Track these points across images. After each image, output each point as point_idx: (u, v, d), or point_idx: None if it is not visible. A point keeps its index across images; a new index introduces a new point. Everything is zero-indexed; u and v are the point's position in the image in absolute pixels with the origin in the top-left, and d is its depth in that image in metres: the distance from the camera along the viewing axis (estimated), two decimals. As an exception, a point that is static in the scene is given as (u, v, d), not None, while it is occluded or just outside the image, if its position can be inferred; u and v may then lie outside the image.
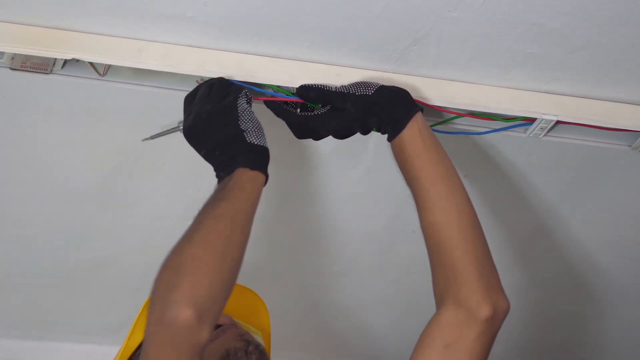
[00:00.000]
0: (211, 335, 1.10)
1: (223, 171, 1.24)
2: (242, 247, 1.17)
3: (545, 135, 1.53)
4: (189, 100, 1.33)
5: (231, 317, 1.43)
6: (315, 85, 1.37)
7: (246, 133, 1.26)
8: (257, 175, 1.23)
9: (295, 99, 1.38)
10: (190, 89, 1.36)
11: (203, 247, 1.13)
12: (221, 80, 1.33)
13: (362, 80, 1.39)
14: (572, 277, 2.03)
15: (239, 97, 1.30)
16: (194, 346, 1.08)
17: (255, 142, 1.25)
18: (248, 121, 1.27)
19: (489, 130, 1.54)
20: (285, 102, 1.38)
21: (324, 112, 1.37)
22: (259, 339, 1.45)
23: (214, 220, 1.16)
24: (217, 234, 1.15)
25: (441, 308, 1.27)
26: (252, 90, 1.35)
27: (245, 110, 1.28)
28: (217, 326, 1.40)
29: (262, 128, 1.28)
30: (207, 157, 1.27)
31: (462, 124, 1.53)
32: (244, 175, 1.22)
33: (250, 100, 1.32)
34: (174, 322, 1.07)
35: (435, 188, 1.31)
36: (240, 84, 1.35)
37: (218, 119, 1.27)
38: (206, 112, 1.28)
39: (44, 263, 1.84)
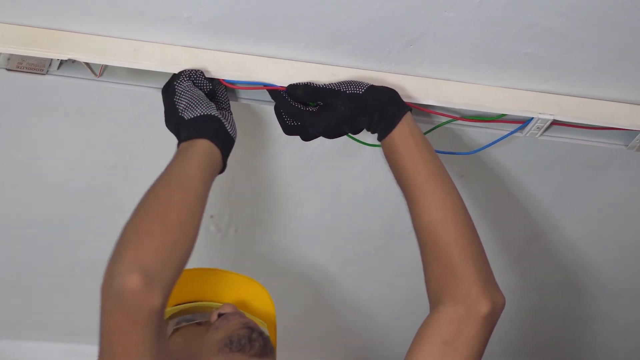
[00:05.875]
0: (166, 300, 1.11)
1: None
2: (185, 205, 1.18)
3: (541, 134, 1.53)
4: (163, 95, 1.36)
5: (235, 307, 1.43)
6: (302, 82, 1.38)
7: (183, 113, 1.28)
8: (191, 142, 1.25)
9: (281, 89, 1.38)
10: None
11: (142, 215, 1.16)
12: (172, 76, 1.36)
13: (352, 78, 1.40)
14: (567, 277, 2.03)
15: (176, 82, 1.32)
16: (148, 312, 1.09)
17: (192, 116, 1.27)
18: (183, 100, 1.30)
19: (477, 149, 1.57)
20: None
21: (314, 110, 1.38)
22: (265, 330, 1.45)
23: (151, 190, 1.19)
24: (153, 199, 1.18)
25: (439, 306, 1.27)
26: (196, 70, 1.36)
27: (181, 91, 1.31)
28: (220, 315, 1.41)
29: (197, 98, 1.30)
30: None
31: (457, 125, 1.53)
32: (181, 147, 1.25)
33: (196, 75, 1.34)
34: (122, 290, 1.08)
35: (429, 187, 1.32)
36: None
37: (168, 114, 1.32)
38: (165, 113, 1.33)
39: (40, 263, 1.84)
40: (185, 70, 1.34)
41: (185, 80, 1.33)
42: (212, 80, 1.36)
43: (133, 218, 1.16)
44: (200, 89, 1.33)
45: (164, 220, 1.15)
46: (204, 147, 1.24)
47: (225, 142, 1.27)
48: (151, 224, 1.14)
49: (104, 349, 1.12)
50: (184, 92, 1.31)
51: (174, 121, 1.29)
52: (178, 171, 1.21)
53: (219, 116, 1.28)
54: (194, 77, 1.34)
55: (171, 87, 1.33)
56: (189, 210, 1.18)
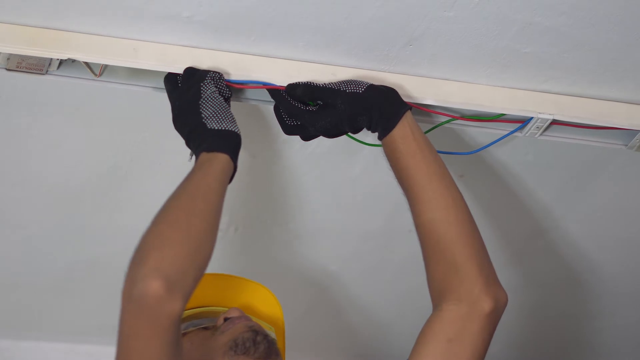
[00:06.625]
0: (184, 307, 1.12)
1: (195, 160, 1.27)
2: (207, 217, 1.19)
3: (541, 134, 1.53)
4: (170, 85, 1.36)
5: (241, 311, 1.44)
6: (301, 82, 1.38)
7: (207, 120, 1.28)
8: (214, 155, 1.25)
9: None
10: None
11: (165, 223, 1.16)
12: (186, 71, 1.35)
13: (352, 78, 1.40)
14: (568, 275, 2.03)
15: (202, 85, 1.32)
16: (168, 317, 1.09)
17: (216, 127, 1.27)
18: (209, 107, 1.29)
19: (477, 149, 1.57)
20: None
21: (313, 110, 1.38)
22: (271, 333, 1.45)
23: (174, 198, 1.20)
24: (177, 208, 1.18)
25: (442, 304, 1.28)
26: (219, 72, 1.36)
27: (208, 96, 1.31)
28: (227, 319, 1.41)
29: (224, 110, 1.30)
30: (188, 147, 1.31)
31: (457, 125, 1.53)
32: (203, 158, 1.25)
33: (220, 80, 1.34)
34: (143, 295, 1.09)
35: (431, 185, 1.32)
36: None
37: (185, 113, 1.30)
38: (177, 108, 1.32)
39: (39, 263, 1.84)
40: (210, 72, 1.34)
41: (210, 85, 1.32)
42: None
43: (156, 224, 1.17)
44: (222, 96, 1.33)
45: (187, 229, 1.16)
46: (224, 161, 1.25)
47: (238, 156, 1.28)
48: (174, 232, 1.15)
49: (122, 352, 1.13)
50: (210, 98, 1.30)
51: (192, 124, 1.29)
52: (201, 182, 1.22)
53: (239, 133, 1.28)
54: (217, 81, 1.34)
55: (193, 88, 1.32)
56: (210, 221, 1.19)
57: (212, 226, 1.19)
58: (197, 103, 1.30)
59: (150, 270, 1.10)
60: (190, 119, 1.29)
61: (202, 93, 1.31)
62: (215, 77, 1.34)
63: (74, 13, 1.29)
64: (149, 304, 1.08)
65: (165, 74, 1.36)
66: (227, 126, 1.27)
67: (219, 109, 1.29)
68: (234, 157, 1.26)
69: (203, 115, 1.28)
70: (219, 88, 1.33)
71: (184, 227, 1.16)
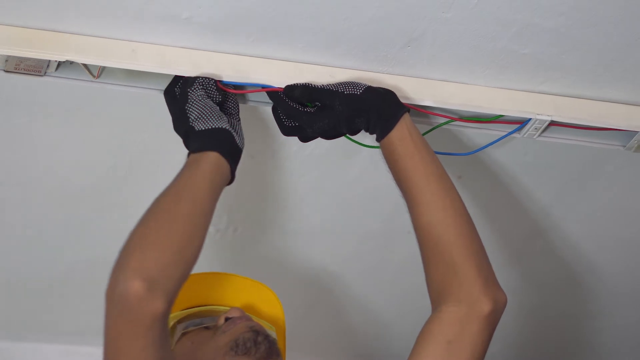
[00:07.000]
0: (169, 307, 1.12)
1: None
2: (192, 217, 1.19)
3: (539, 135, 1.53)
4: (169, 96, 1.36)
5: (242, 310, 1.44)
6: (299, 83, 1.38)
7: (194, 123, 1.28)
8: (201, 154, 1.25)
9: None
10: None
11: (148, 224, 1.17)
12: (177, 80, 1.36)
13: (350, 79, 1.40)
14: (567, 276, 2.03)
15: (190, 90, 1.32)
16: (150, 317, 1.10)
17: (203, 128, 1.28)
18: (194, 110, 1.30)
19: (475, 149, 1.57)
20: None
21: (311, 111, 1.38)
22: (272, 333, 1.46)
23: (160, 200, 1.20)
24: (161, 210, 1.19)
25: (441, 305, 1.28)
26: (209, 78, 1.36)
27: (193, 100, 1.31)
28: (228, 319, 1.41)
29: (209, 109, 1.30)
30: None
31: (455, 126, 1.53)
32: (190, 158, 1.26)
33: (209, 85, 1.34)
34: (124, 295, 1.10)
35: (429, 187, 1.32)
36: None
37: (179, 120, 1.32)
38: (173, 115, 1.33)
39: (39, 264, 1.84)
40: (199, 78, 1.34)
41: (198, 89, 1.33)
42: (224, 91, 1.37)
43: (140, 227, 1.17)
44: (211, 99, 1.34)
45: (170, 231, 1.16)
46: (213, 160, 1.25)
47: (233, 154, 1.28)
48: (157, 235, 1.16)
49: (109, 353, 1.14)
50: (196, 101, 1.31)
51: (183, 129, 1.30)
52: (187, 183, 1.22)
53: (229, 129, 1.29)
54: (207, 86, 1.34)
55: (182, 94, 1.33)
56: (196, 222, 1.19)
57: (198, 226, 1.19)
58: (184, 108, 1.31)
59: (131, 271, 1.11)
60: (181, 125, 1.30)
61: (188, 97, 1.32)
62: (204, 82, 1.34)
63: (73, 14, 1.30)
64: (130, 304, 1.09)
65: (164, 75, 1.36)
66: (213, 124, 1.28)
67: (204, 110, 1.30)
68: (225, 153, 1.26)
69: (190, 119, 1.29)
70: (207, 92, 1.34)
71: (166, 230, 1.16)
